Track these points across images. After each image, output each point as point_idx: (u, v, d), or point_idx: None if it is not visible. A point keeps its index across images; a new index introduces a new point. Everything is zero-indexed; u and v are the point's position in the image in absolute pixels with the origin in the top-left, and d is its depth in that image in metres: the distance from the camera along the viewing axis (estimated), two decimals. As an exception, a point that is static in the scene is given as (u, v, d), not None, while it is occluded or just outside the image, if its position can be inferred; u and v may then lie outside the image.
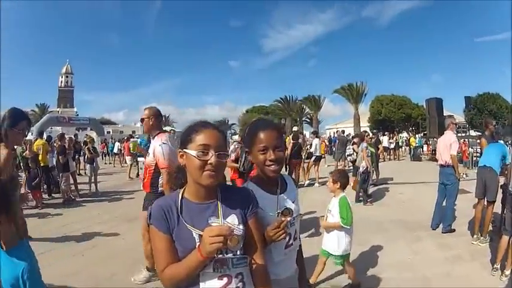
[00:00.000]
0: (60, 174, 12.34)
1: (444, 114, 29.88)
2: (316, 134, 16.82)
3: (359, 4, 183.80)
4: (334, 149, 22.69)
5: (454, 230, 7.72)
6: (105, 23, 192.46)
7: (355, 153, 13.29)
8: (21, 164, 12.28)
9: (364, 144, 11.36)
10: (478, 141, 22.69)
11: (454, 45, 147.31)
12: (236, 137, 13.69)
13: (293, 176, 13.74)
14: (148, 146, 5.36)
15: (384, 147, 23.01)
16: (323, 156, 22.71)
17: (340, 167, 18.40)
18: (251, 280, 1.89)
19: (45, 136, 14.69)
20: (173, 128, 17.55)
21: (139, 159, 17.07)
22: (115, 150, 27.73)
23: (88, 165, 14.11)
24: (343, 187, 5.04)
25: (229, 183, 7.16)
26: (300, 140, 14.84)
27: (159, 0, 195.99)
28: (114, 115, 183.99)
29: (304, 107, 69.86)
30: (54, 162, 12.91)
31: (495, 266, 5.50)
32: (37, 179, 11.37)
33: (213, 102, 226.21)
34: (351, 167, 15.57)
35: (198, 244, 1.70)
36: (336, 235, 4.86)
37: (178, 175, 1.99)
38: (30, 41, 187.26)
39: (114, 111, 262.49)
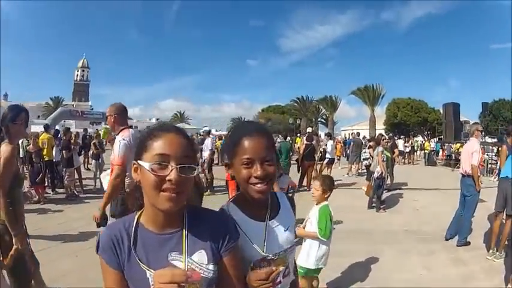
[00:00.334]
0: (64, 170, 12.20)
1: (460, 120, 29.79)
2: (330, 135, 16.48)
3: (378, 7, 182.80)
4: (348, 151, 22.27)
5: (469, 243, 7.30)
6: (124, 19, 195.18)
7: (371, 158, 12.99)
8: (25, 158, 12.23)
9: (380, 149, 10.90)
10: (493, 148, 22.63)
11: (470, 50, 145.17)
12: (208, 141, 13.40)
13: (304, 180, 13.57)
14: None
15: (399, 151, 22.62)
16: (338, 158, 22.58)
17: (354, 170, 18.19)
18: None
19: (53, 130, 14.56)
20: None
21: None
22: None
23: (93, 160, 13.97)
24: (328, 193, 4.52)
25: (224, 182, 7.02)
26: (314, 142, 14.59)
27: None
28: (130, 110, 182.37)
29: (320, 107, 69.78)
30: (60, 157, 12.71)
31: (509, 286, 5.23)
32: (40, 174, 11.16)
33: (229, 100, 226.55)
34: (364, 170, 15.32)
35: None
36: (308, 245, 4.43)
37: (136, 194, 1.52)
38: (47, 35, 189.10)
39: (131, 106, 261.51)
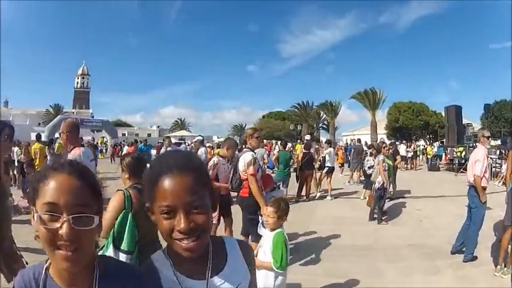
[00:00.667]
0: None
1: (463, 122, 29.37)
2: (329, 143, 15.94)
3: (377, 10, 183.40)
4: (349, 158, 21.83)
5: (476, 258, 6.81)
6: (122, 26, 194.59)
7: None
8: (15, 169, 11.97)
9: (381, 157, 10.39)
10: (496, 150, 22.25)
11: (469, 51, 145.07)
12: (202, 151, 12.93)
13: (303, 190, 13.20)
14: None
15: (401, 156, 22.24)
16: (340, 165, 22.17)
17: (356, 177, 17.77)
18: None
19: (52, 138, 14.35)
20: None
21: (147, 165, 16.57)
22: (120, 154, 26.49)
23: None
24: (284, 218, 4.02)
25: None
26: (313, 150, 14.22)
27: (178, 1, 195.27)
28: (131, 117, 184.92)
29: (321, 113, 69.56)
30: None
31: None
32: None
33: (230, 107, 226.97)
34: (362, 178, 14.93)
35: None
36: (264, 276, 3.81)
37: None
38: (46, 42, 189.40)
39: (131, 113, 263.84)
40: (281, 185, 12.10)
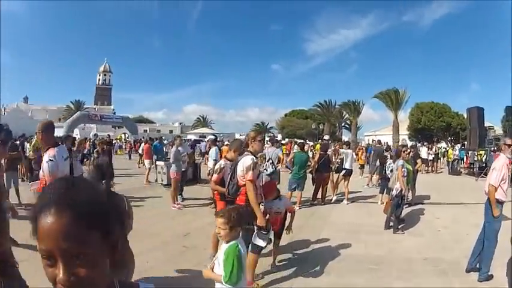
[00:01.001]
0: None
1: (485, 125, 28.69)
2: (348, 144, 15.48)
3: (399, 9, 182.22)
4: (370, 160, 21.20)
5: (491, 277, 6.22)
6: (146, 24, 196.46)
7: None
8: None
9: (401, 162, 9.81)
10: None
11: (491, 52, 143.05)
12: (213, 151, 12.74)
13: (319, 193, 12.74)
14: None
15: (422, 159, 21.63)
16: (359, 166, 21.65)
17: (375, 180, 17.18)
18: None
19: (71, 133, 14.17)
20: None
21: (158, 163, 16.22)
22: (139, 151, 26.11)
23: None
24: (237, 229, 3.75)
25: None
26: (330, 151, 13.73)
27: (200, 1, 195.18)
28: (154, 114, 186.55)
29: (344, 112, 69.00)
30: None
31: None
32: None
33: (254, 105, 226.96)
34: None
35: None
36: (220, 284, 3.62)
37: None
38: (71, 39, 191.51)
39: (154, 110, 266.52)
40: (296, 188, 11.77)
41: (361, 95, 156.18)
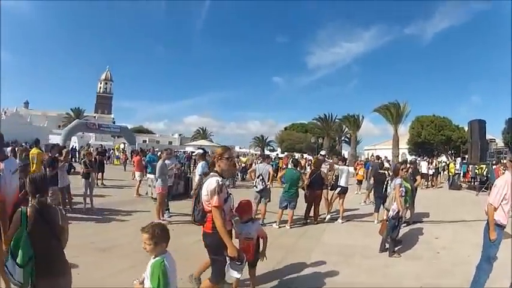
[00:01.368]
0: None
1: (486, 138, 28.16)
2: (344, 160, 14.79)
3: (401, 23, 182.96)
4: (368, 176, 20.39)
5: None
6: (150, 34, 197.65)
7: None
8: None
9: (398, 181, 9.04)
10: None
11: (490, 64, 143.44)
12: (199, 166, 12.40)
13: (311, 211, 12.10)
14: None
15: (422, 173, 21.04)
16: (357, 182, 21.12)
17: (372, 197, 16.42)
18: None
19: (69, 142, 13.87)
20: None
21: (148, 175, 15.69)
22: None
23: (83, 179, 12.92)
24: (163, 245, 3.67)
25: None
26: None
27: (204, 12, 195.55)
28: (155, 125, 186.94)
29: (343, 126, 68.77)
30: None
31: None
32: (23, 191, 10.25)
33: (254, 118, 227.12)
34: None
35: None
36: None
37: None
38: (72, 46, 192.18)
39: (155, 120, 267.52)
40: (287, 206, 11.18)
41: (362, 108, 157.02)
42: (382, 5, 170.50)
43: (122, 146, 47.54)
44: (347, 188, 12.87)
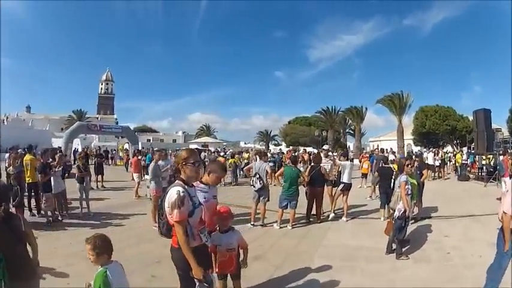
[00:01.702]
0: (42, 194, 11.26)
1: (492, 127, 27.53)
2: (346, 155, 14.10)
3: (400, 14, 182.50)
4: (372, 169, 19.64)
5: None
6: (149, 32, 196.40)
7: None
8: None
9: (404, 178, 8.38)
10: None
11: (491, 53, 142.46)
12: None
13: (313, 209, 11.56)
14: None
15: (428, 165, 20.46)
16: (362, 175, 20.55)
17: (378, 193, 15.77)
18: None
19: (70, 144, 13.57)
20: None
21: (146, 176, 15.19)
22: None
23: (78, 184, 12.59)
24: (104, 255, 3.76)
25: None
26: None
27: (202, 8, 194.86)
28: (159, 123, 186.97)
29: (347, 118, 68.22)
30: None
31: None
32: (17, 198, 10.10)
33: (258, 112, 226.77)
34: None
35: None
36: None
37: None
38: (72, 49, 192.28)
39: (159, 119, 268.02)
40: (288, 205, 10.64)
41: (365, 100, 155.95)
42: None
43: (126, 146, 47.19)
44: (350, 184, 12.25)
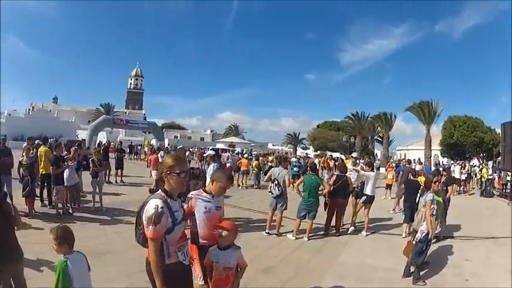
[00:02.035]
0: (52, 187, 11.24)
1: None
2: (371, 165, 13.42)
3: (431, 19, 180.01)
4: (398, 181, 18.33)
5: None
6: (180, 31, 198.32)
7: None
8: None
9: (430, 196, 7.83)
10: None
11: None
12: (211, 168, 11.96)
13: (333, 222, 10.99)
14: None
15: (455, 179, 19.74)
16: (386, 187, 19.84)
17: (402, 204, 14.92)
18: None
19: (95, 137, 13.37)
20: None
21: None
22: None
23: (92, 178, 12.63)
24: (65, 245, 3.93)
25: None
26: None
27: (236, 7, 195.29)
28: (188, 120, 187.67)
29: (376, 125, 67.30)
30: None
31: None
32: (28, 188, 10.73)
33: (288, 115, 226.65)
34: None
35: None
36: None
37: None
38: (104, 44, 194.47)
39: (188, 116, 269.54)
40: (307, 215, 10.18)
41: (394, 107, 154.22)
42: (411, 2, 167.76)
43: (153, 141, 47.29)
44: (373, 196, 11.60)
